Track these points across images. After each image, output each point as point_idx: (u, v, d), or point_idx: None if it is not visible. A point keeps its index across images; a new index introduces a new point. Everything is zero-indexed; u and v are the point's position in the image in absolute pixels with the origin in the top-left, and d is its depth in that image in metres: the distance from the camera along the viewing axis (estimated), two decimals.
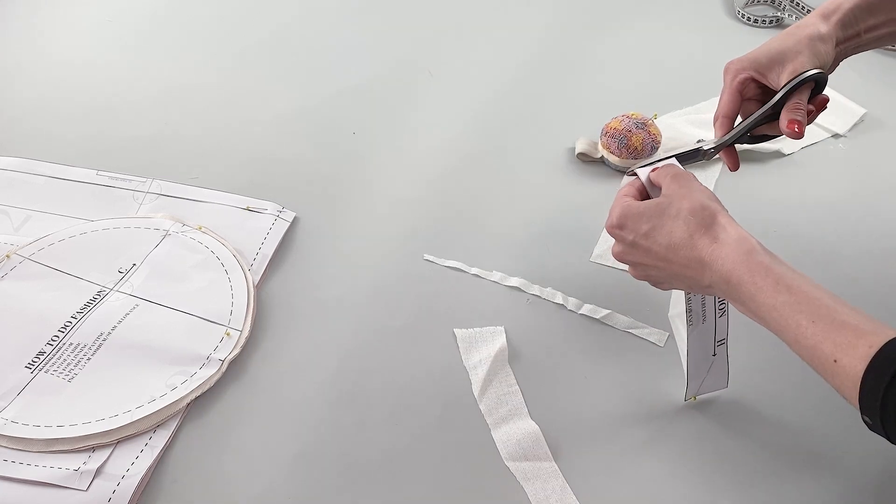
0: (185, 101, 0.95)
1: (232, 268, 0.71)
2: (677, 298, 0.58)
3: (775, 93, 0.61)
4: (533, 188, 0.83)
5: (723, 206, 0.54)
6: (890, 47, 1.09)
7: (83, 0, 1.16)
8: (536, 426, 0.59)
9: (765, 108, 0.62)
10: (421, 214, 0.80)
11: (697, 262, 0.52)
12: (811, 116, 0.62)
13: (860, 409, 0.45)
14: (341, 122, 0.92)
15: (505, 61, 1.05)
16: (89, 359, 0.63)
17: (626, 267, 0.59)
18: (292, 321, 0.68)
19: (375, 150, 0.88)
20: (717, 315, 0.58)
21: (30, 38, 1.07)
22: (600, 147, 0.86)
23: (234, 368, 0.64)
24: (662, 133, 0.86)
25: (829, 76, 0.63)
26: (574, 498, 0.55)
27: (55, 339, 0.64)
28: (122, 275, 0.70)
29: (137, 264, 0.71)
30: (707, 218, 0.52)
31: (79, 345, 0.64)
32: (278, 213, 0.78)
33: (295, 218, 0.78)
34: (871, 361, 0.43)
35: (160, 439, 0.58)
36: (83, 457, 0.56)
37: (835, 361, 0.45)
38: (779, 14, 1.15)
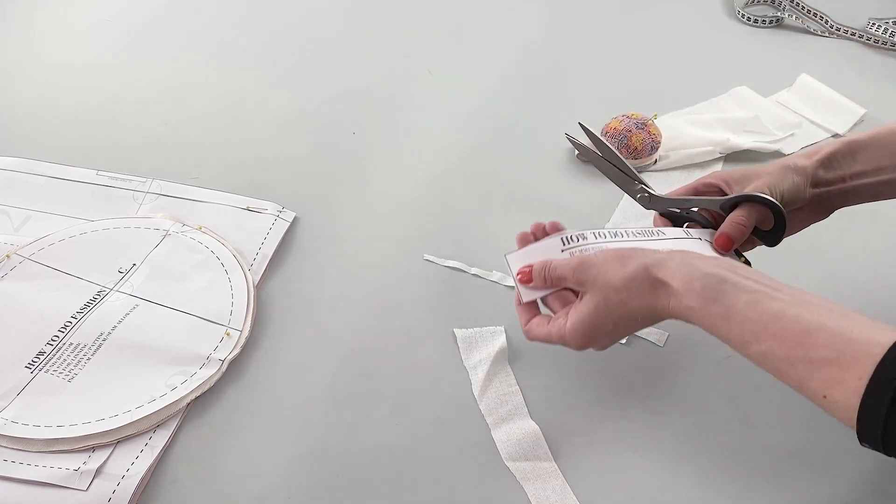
0: (185, 101, 0.95)
1: (232, 268, 0.71)
2: None
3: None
4: (533, 188, 0.83)
5: (634, 252, 0.54)
6: (889, 47, 1.09)
7: (83, 0, 1.16)
8: (536, 426, 0.59)
9: (709, 200, 0.61)
10: (421, 214, 0.80)
11: (657, 318, 0.53)
12: (746, 246, 0.62)
13: (859, 438, 0.43)
14: (341, 122, 0.92)
15: (505, 61, 1.05)
16: (89, 359, 0.63)
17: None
18: (292, 321, 0.68)
19: (375, 150, 0.88)
20: None
21: (30, 38, 1.07)
22: None
23: (234, 368, 0.64)
24: (662, 133, 0.86)
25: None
26: (574, 498, 0.55)
27: (55, 339, 0.64)
28: (122, 275, 0.70)
29: (137, 264, 0.71)
30: (645, 281, 0.51)
31: (79, 345, 0.64)
32: (278, 213, 0.78)
33: (295, 218, 0.78)
34: (862, 401, 0.41)
35: (160, 439, 0.58)
36: (83, 457, 0.56)
37: (825, 398, 0.43)
38: (779, 14, 1.15)
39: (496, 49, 1.07)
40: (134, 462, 0.56)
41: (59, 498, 0.54)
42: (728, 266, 0.50)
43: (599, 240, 0.59)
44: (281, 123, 0.92)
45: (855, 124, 0.92)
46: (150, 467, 0.56)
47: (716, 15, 1.17)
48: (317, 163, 0.86)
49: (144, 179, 0.81)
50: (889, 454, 0.42)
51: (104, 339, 0.64)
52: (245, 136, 0.90)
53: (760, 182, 0.59)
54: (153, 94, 0.96)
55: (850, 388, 0.42)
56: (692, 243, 0.60)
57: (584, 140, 0.68)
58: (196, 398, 0.61)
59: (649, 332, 0.67)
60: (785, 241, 0.62)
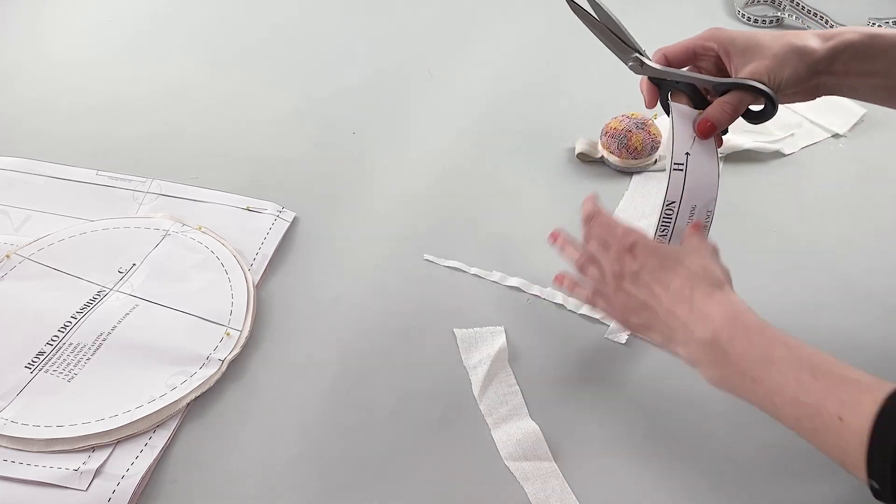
0: (185, 101, 0.95)
1: (232, 268, 0.71)
2: None
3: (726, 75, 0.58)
4: (533, 188, 0.83)
5: (730, 282, 0.53)
6: None
7: (83, 0, 1.16)
8: (536, 426, 0.59)
9: (701, 79, 0.59)
10: (421, 214, 0.80)
11: (686, 313, 0.51)
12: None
13: (868, 472, 0.41)
14: (341, 122, 0.92)
15: (505, 61, 1.05)
16: (89, 359, 0.63)
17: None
18: (292, 321, 0.68)
19: (375, 150, 0.88)
20: None
21: (30, 38, 1.07)
22: (600, 147, 0.86)
23: (234, 368, 0.64)
24: (662, 133, 0.86)
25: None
26: (574, 498, 0.55)
27: (55, 339, 0.64)
28: (122, 275, 0.70)
29: (137, 264, 0.71)
30: (715, 282, 0.52)
31: (79, 345, 0.64)
32: (278, 213, 0.78)
33: (295, 218, 0.78)
34: (876, 419, 0.40)
35: (160, 439, 0.58)
36: (83, 457, 0.56)
37: (840, 419, 0.42)
38: (779, 14, 1.15)
39: (496, 49, 1.07)
40: (134, 462, 0.56)
41: (59, 498, 0.54)
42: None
43: None
44: (281, 123, 0.92)
45: (855, 124, 0.92)
46: (149, 467, 0.56)
47: (716, 15, 1.17)
48: (317, 163, 0.86)
49: (144, 179, 0.81)
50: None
51: (104, 339, 0.64)
52: (245, 136, 0.90)
53: (761, 64, 0.55)
54: (153, 93, 0.96)
55: (866, 411, 0.41)
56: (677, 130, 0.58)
57: (584, 5, 0.64)
58: (196, 398, 0.61)
59: None
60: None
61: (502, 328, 0.67)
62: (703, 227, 0.59)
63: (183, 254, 0.73)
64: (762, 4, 1.20)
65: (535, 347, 0.66)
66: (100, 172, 0.82)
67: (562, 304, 0.70)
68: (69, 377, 0.61)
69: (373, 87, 0.98)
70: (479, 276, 0.73)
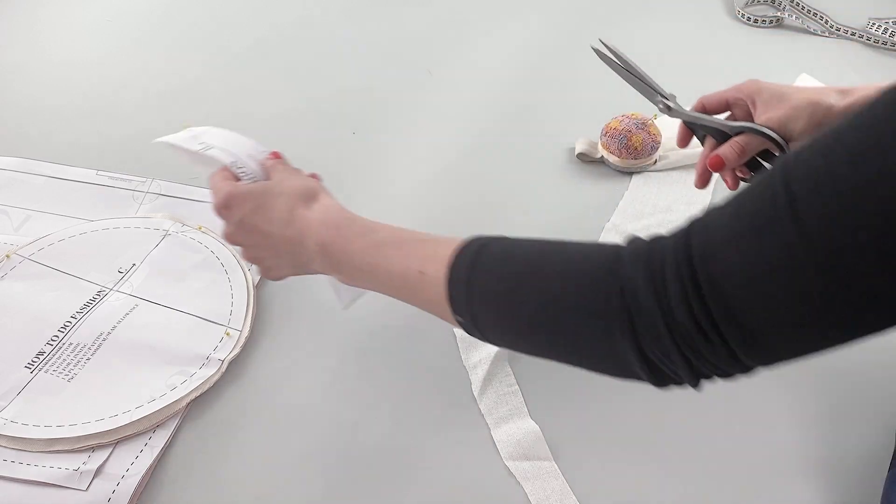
0: (184, 101, 0.95)
1: (232, 268, 0.71)
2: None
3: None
4: (533, 188, 0.83)
5: (327, 191, 0.57)
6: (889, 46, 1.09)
7: (83, 0, 1.16)
8: (536, 426, 0.59)
9: (720, 123, 0.64)
10: (421, 214, 0.80)
11: (297, 234, 0.53)
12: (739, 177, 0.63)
13: (452, 310, 0.46)
14: (341, 122, 0.92)
15: (505, 61, 1.05)
16: (89, 359, 0.63)
17: None
18: (292, 321, 0.68)
19: (375, 150, 0.88)
20: None
21: (30, 38, 1.07)
22: (600, 147, 0.86)
23: (234, 368, 0.64)
24: (662, 133, 0.86)
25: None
26: (574, 498, 0.55)
27: (55, 339, 0.64)
28: (122, 275, 0.70)
29: (137, 264, 0.71)
30: (308, 194, 0.54)
31: (78, 345, 0.64)
32: None
33: None
34: (450, 263, 0.45)
35: (160, 439, 0.58)
36: (83, 457, 0.56)
37: (421, 273, 0.47)
38: (779, 14, 1.15)
39: (496, 49, 1.07)
40: (134, 462, 0.56)
41: (59, 498, 0.54)
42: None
43: None
44: (281, 123, 0.92)
45: None
46: (149, 467, 0.56)
47: (716, 15, 1.17)
48: (316, 162, 0.86)
49: (144, 179, 0.81)
50: (476, 324, 0.45)
51: (104, 339, 0.64)
52: (245, 135, 0.90)
53: (777, 113, 0.59)
54: (153, 93, 0.96)
55: (441, 258, 0.46)
56: None
57: (608, 53, 0.71)
58: (196, 398, 0.61)
59: None
60: None
61: None
62: (281, 156, 0.61)
63: (183, 254, 0.73)
64: (762, 4, 1.20)
65: None
66: (100, 172, 0.82)
67: None
68: (69, 377, 0.61)
69: (373, 88, 0.98)
70: None
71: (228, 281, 0.70)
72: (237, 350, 0.65)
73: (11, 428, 0.57)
